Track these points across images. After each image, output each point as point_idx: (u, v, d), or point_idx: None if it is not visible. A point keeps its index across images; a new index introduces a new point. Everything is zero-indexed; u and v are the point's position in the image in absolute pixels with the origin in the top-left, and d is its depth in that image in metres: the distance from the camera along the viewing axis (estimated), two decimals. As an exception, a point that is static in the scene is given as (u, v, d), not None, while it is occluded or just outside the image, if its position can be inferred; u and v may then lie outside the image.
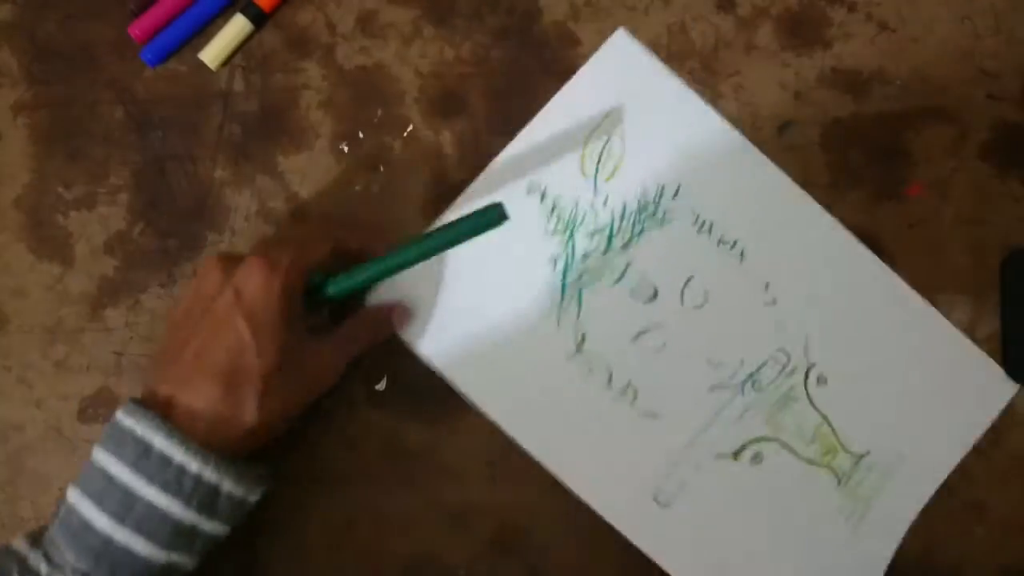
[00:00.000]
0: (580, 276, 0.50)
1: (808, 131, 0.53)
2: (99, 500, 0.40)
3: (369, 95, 0.53)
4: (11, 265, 0.51)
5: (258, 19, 0.52)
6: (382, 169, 0.52)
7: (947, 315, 0.52)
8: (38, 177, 0.52)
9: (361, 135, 0.52)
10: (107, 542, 0.39)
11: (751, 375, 0.50)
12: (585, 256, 0.50)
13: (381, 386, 0.50)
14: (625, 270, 0.50)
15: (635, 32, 0.53)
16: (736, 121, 0.53)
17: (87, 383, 0.51)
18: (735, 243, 0.51)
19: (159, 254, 0.51)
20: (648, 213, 0.50)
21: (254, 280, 0.41)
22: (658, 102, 0.52)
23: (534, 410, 0.49)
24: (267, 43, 0.53)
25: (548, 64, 0.53)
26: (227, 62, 0.53)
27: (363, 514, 0.50)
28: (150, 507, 0.39)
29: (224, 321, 0.41)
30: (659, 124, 0.51)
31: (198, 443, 0.40)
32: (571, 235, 0.50)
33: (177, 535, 0.40)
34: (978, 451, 0.51)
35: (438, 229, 0.44)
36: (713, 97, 0.53)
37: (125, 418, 0.41)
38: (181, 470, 0.40)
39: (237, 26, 0.52)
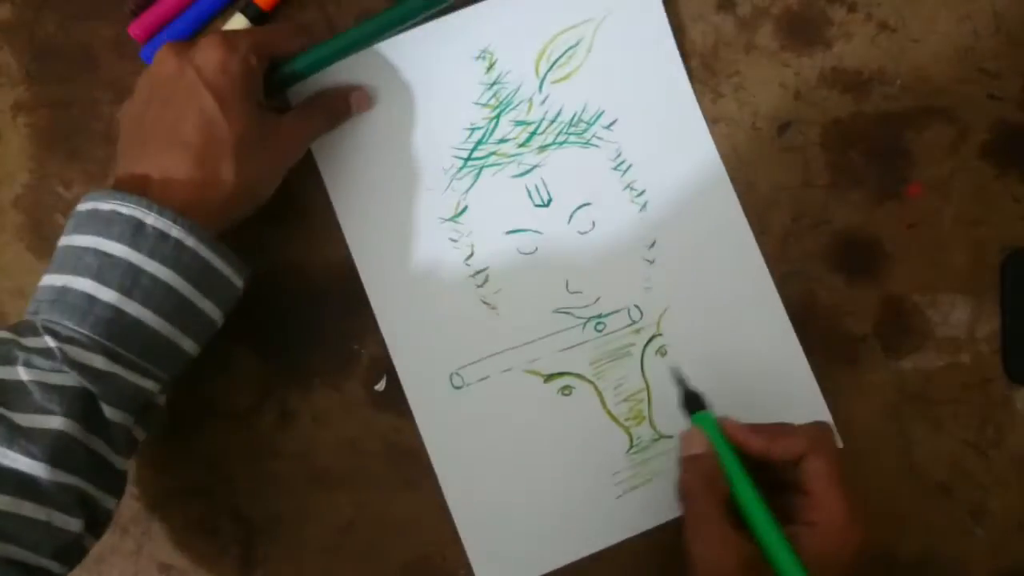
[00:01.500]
0: (488, 155, 0.51)
1: (808, 131, 0.53)
2: (99, 276, 0.39)
3: (369, 95, 0.53)
4: (11, 265, 0.51)
5: (258, 19, 0.52)
6: (382, 169, 0.52)
7: (947, 315, 0.52)
8: (38, 177, 0.52)
9: (361, 135, 0.52)
10: (118, 312, 0.39)
11: (600, 316, 0.50)
12: (502, 140, 0.51)
13: (381, 386, 0.50)
14: (531, 169, 0.51)
15: (635, 32, 0.53)
16: (736, 121, 0.53)
17: (87, 383, 0.50)
18: (642, 192, 0.51)
19: (159, 254, 0.51)
20: (577, 130, 0.51)
21: (214, 59, 0.43)
22: (640, 34, 0.52)
23: (388, 250, 0.50)
24: (267, 43, 0.53)
25: (548, 64, 0.53)
26: (227, 62, 0.52)
27: (363, 515, 0.50)
28: (154, 279, 0.40)
29: (190, 97, 0.42)
30: (630, 55, 0.52)
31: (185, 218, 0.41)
32: (498, 115, 0.51)
33: (181, 310, 0.41)
34: (978, 451, 0.51)
35: (390, 8, 0.47)
36: (713, 97, 0.53)
37: (100, 204, 0.41)
38: (179, 244, 0.40)
39: (237, 26, 0.52)
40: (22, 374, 0.39)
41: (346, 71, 0.51)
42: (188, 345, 0.42)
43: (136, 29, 0.52)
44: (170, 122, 0.42)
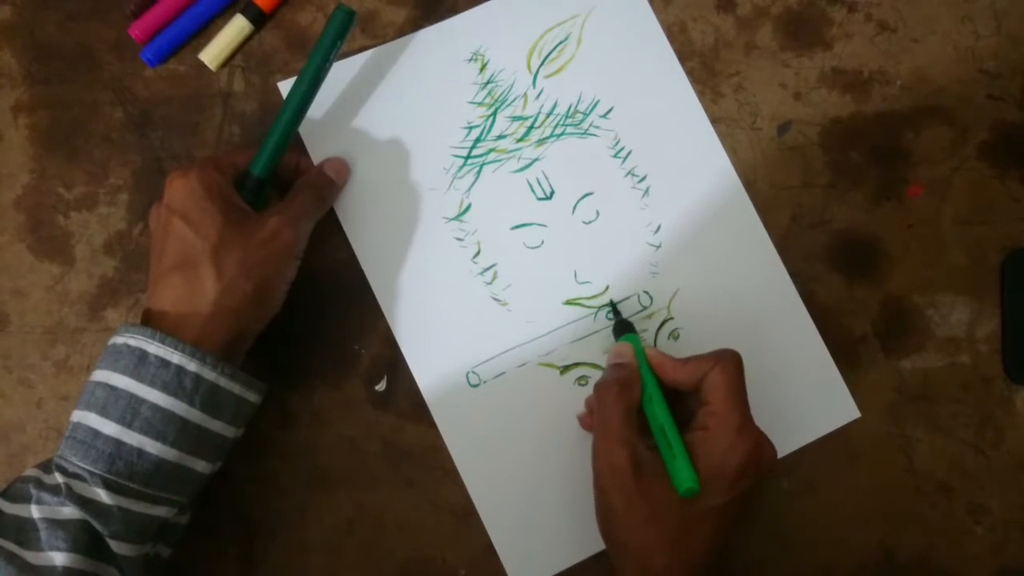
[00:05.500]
0: (487, 152, 0.51)
1: (808, 131, 0.53)
2: (103, 410, 0.41)
3: (369, 95, 0.53)
4: (11, 265, 0.51)
5: (258, 19, 0.52)
6: (382, 169, 0.52)
7: (947, 315, 0.52)
8: (38, 177, 0.52)
9: (361, 135, 0.52)
10: (118, 444, 0.41)
11: (610, 304, 0.51)
12: (500, 136, 0.52)
13: (381, 386, 0.50)
14: (531, 164, 0.51)
15: (635, 32, 0.53)
16: (736, 121, 0.53)
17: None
18: (644, 178, 0.52)
19: (159, 254, 0.51)
20: (574, 121, 0.52)
21: (174, 187, 0.45)
22: (627, 23, 0.53)
23: (394, 253, 0.51)
24: (267, 43, 0.53)
25: (548, 64, 0.53)
26: (227, 62, 0.53)
27: (363, 515, 0.50)
28: (155, 408, 0.41)
29: (166, 230, 0.44)
30: (619, 44, 0.53)
31: (188, 342, 0.42)
32: (494, 113, 0.52)
33: (187, 435, 0.42)
34: (978, 451, 0.51)
35: (309, 58, 0.47)
36: (713, 97, 0.53)
37: (117, 338, 0.43)
38: (180, 370, 0.41)
39: (237, 26, 0.52)
40: (33, 512, 0.40)
41: (341, 81, 0.51)
42: (201, 466, 0.43)
43: (136, 30, 0.52)
44: (159, 258, 0.45)
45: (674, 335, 0.51)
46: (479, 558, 0.49)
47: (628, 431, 0.43)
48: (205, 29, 0.53)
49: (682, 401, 0.45)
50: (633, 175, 0.52)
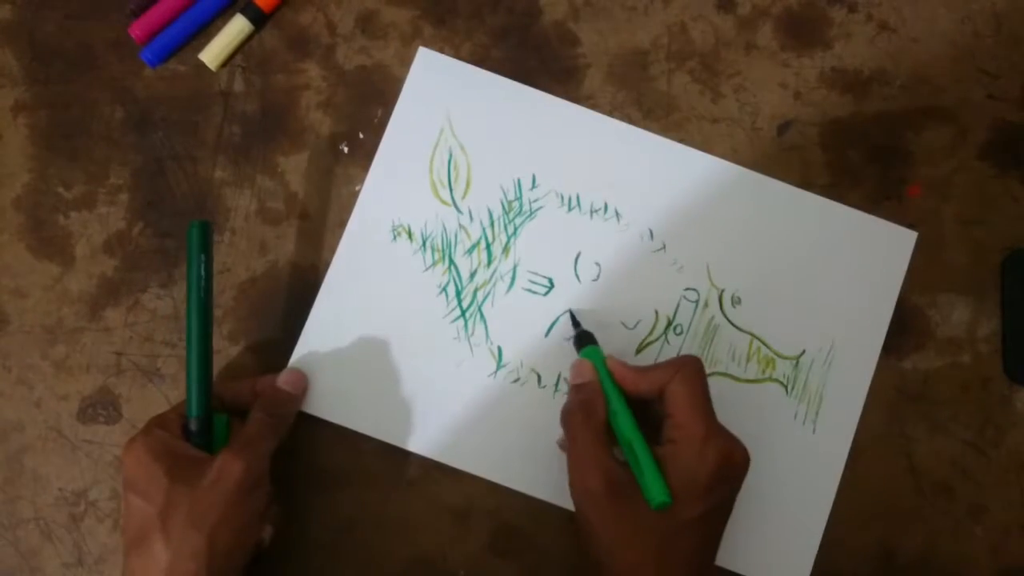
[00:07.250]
0: (474, 295, 0.51)
1: (808, 131, 0.53)
2: None
3: (369, 95, 0.53)
4: (11, 265, 0.51)
5: (258, 19, 0.52)
6: (382, 169, 0.52)
7: (947, 315, 0.52)
8: (38, 177, 0.52)
9: (361, 135, 0.52)
10: None
11: (669, 323, 0.51)
12: (472, 275, 0.51)
13: (381, 386, 0.50)
14: (514, 273, 0.51)
15: (635, 33, 0.53)
16: (736, 121, 0.53)
17: (87, 383, 0.51)
18: (606, 206, 0.51)
19: (159, 254, 0.51)
20: (515, 211, 0.51)
21: (124, 462, 0.44)
22: (483, 103, 0.52)
23: (467, 433, 0.50)
24: (267, 43, 0.53)
25: (548, 64, 0.53)
26: (227, 62, 0.53)
27: (363, 515, 0.50)
28: None
29: (125, 506, 0.44)
30: (492, 123, 0.52)
31: None
32: (450, 261, 0.51)
33: None
34: (978, 451, 0.51)
35: (188, 290, 0.44)
36: (713, 97, 0.53)
37: None
38: None
39: (237, 26, 0.52)
40: None
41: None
42: None
43: (136, 29, 0.52)
44: (123, 534, 0.44)
45: (736, 300, 0.51)
46: (479, 558, 0.49)
47: (599, 453, 0.43)
48: (205, 29, 0.53)
49: (652, 408, 0.45)
50: (596, 211, 0.51)
